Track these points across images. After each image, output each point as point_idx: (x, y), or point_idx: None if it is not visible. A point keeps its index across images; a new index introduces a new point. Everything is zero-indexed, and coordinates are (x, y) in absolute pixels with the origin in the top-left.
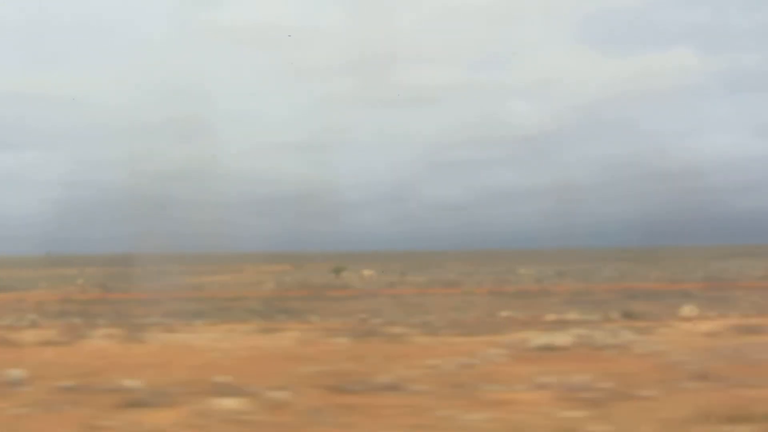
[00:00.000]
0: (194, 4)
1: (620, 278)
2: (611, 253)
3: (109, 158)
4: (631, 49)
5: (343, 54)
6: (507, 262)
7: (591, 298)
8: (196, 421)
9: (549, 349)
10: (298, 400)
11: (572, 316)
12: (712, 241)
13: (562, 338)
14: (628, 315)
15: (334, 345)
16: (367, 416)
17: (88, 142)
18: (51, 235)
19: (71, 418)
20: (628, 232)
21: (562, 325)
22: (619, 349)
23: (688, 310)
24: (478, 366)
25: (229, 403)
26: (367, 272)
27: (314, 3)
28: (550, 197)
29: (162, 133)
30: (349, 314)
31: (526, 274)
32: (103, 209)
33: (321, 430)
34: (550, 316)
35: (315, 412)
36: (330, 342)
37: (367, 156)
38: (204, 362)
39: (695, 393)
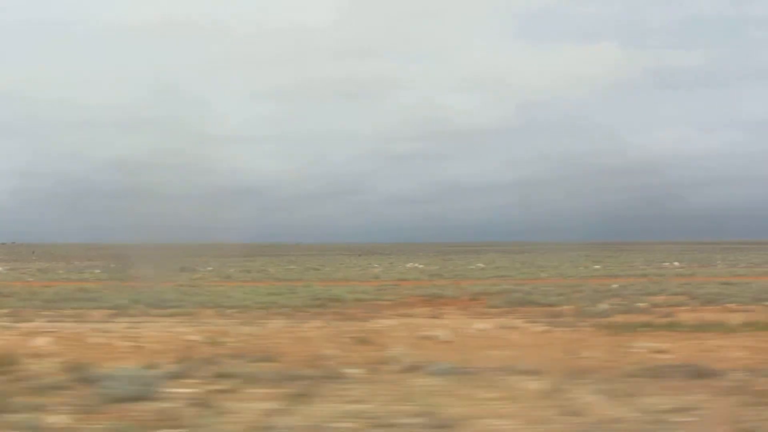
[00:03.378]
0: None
1: None
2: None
3: (62, 149)
4: (560, 43)
5: (280, 48)
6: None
7: None
8: None
9: None
10: None
11: None
12: (668, 237)
13: None
14: None
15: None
16: None
17: (41, 133)
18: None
19: None
20: (579, 227)
21: None
22: None
23: None
24: None
25: None
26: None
27: None
28: (504, 192)
29: (110, 124)
30: None
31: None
32: (56, 200)
33: None
34: None
35: None
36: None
37: (311, 149)
38: None
39: None
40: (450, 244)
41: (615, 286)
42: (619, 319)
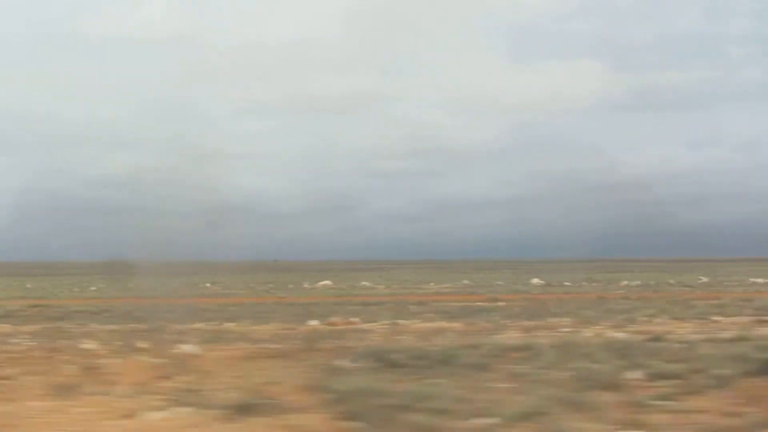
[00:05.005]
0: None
1: None
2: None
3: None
4: (542, 61)
5: (268, 63)
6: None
7: None
8: None
9: None
10: None
11: None
12: (660, 254)
13: None
14: None
15: None
16: None
17: (28, 149)
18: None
19: None
20: (569, 244)
21: None
22: None
23: None
24: None
25: None
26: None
27: (217, 11)
28: (494, 209)
29: (98, 140)
30: None
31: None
32: (47, 217)
33: None
34: None
35: None
36: None
37: (295, 166)
38: None
39: None
40: (429, 261)
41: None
42: None
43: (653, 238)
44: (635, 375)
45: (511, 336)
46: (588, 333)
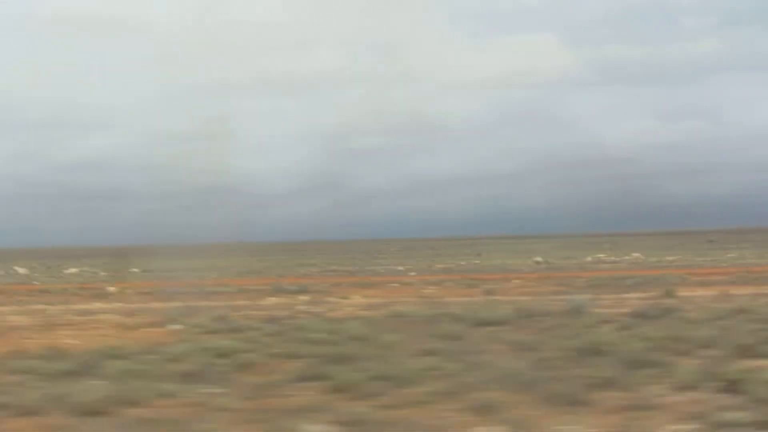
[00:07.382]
0: None
1: None
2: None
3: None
4: (504, 36)
5: (232, 42)
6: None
7: None
8: None
9: None
10: None
11: None
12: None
13: None
14: None
15: None
16: None
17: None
18: None
19: None
20: (548, 219)
21: None
22: None
23: None
24: None
25: None
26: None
27: None
28: (471, 186)
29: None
30: None
31: None
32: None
33: None
34: None
35: None
36: None
37: (269, 145)
38: None
39: None
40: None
41: None
42: None
43: (627, 211)
44: None
45: None
46: None
